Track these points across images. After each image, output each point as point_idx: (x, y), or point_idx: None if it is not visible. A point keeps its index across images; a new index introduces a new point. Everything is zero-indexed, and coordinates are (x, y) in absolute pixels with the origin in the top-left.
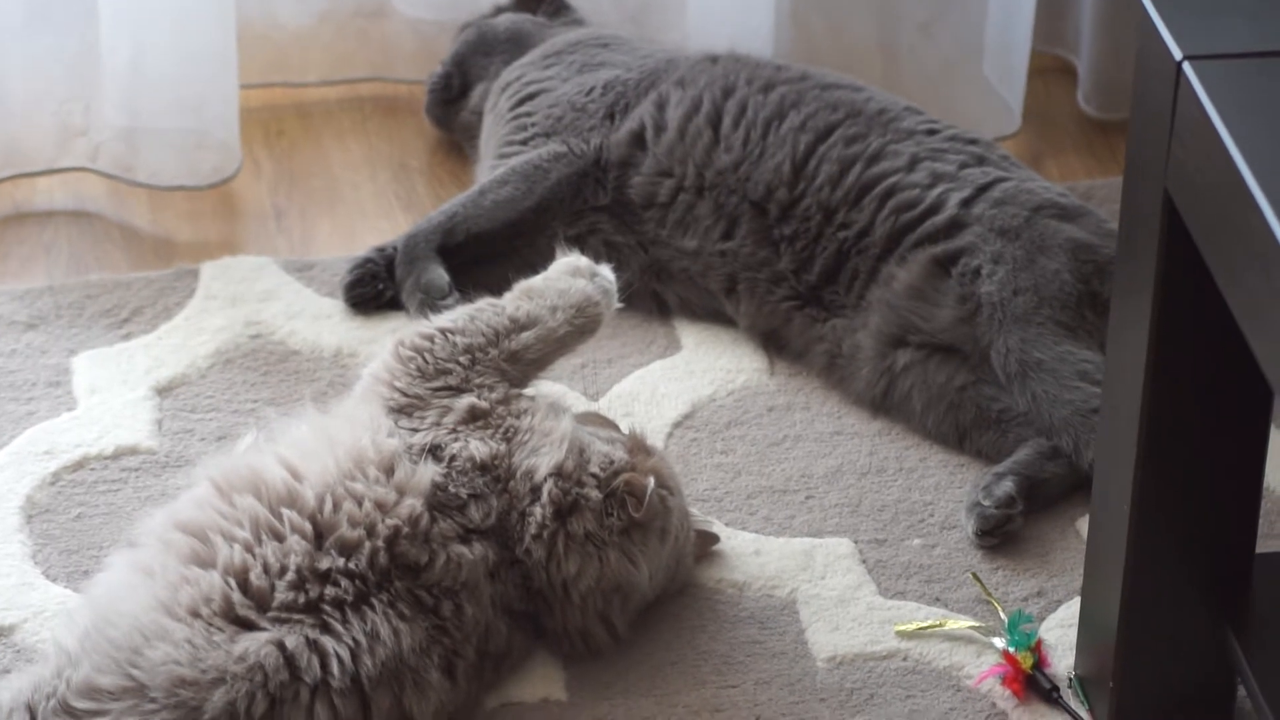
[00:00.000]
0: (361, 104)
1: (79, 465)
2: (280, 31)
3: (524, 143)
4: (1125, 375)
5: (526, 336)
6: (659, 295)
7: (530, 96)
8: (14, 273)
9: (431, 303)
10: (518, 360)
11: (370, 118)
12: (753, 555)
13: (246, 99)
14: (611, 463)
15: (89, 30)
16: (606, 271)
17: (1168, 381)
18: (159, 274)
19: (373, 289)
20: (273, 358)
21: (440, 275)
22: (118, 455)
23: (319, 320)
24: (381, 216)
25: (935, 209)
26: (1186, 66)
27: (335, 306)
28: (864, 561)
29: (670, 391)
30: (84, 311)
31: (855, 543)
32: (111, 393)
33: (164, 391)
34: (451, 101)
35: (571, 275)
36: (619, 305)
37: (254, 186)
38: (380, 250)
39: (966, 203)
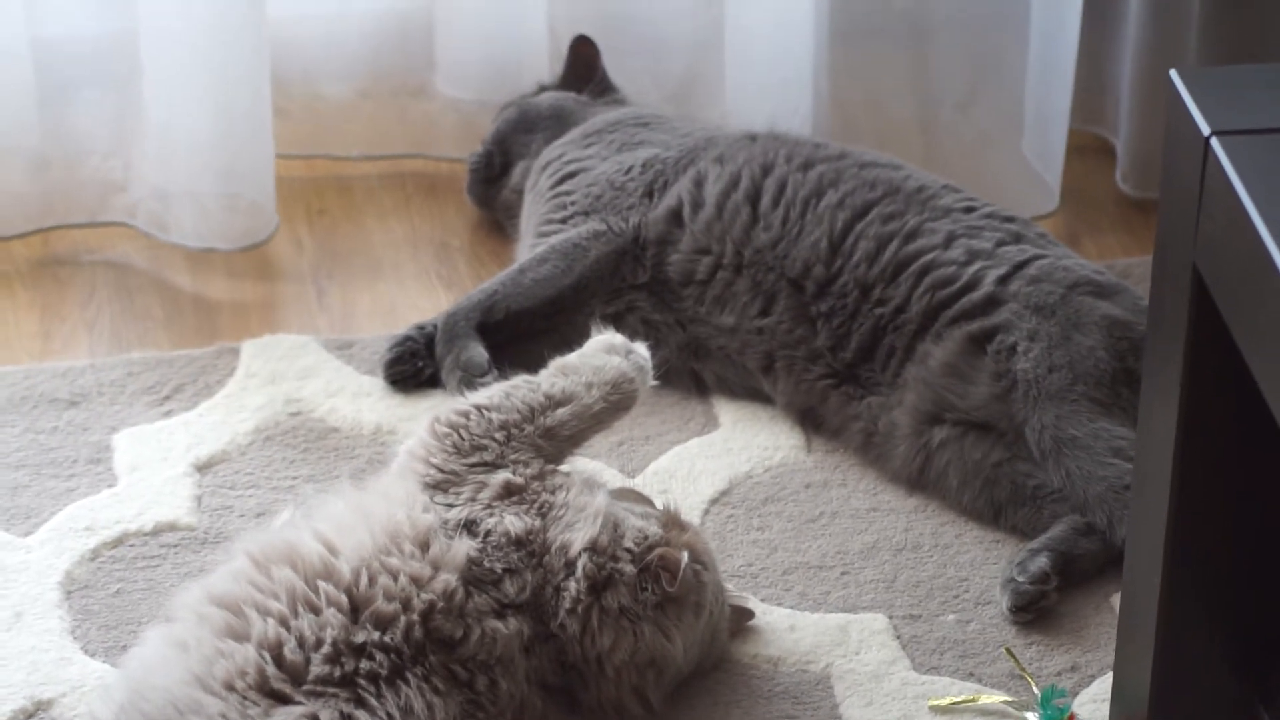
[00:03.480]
0: (404, 182)
1: (119, 541)
2: (321, 103)
3: (563, 221)
4: (1155, 449)
5: (562, 413)
6: (697, 373)
7: (570, 175)
8: (57, 351)
9: (470, 380)
10: (553, 437)
11: (412, 197)
12: (788, 631)
13: (288, 169)
14: (646, 538)
15: (132, 88)
16: (642, 349)
17: (1198, 455)
18: (200, 352)
19: (412, 367)
20: (312, 435)
21: (480, 353)
22: (157, 531)
23: (359, 398)
24: (423, 295)
25: (972, 286)
26: (1214, 141)
27: (375, 384)
28: (899, 637)
29: (707, 468)
30: (125, 389)
31: (890, 618)
32: (152, 469)
33: (204, 468)
34: (492, 180)
35: (607, 352)
36: (654, 382)
37: (296, 264)
38: (420, 328)
39: (1003, 280)
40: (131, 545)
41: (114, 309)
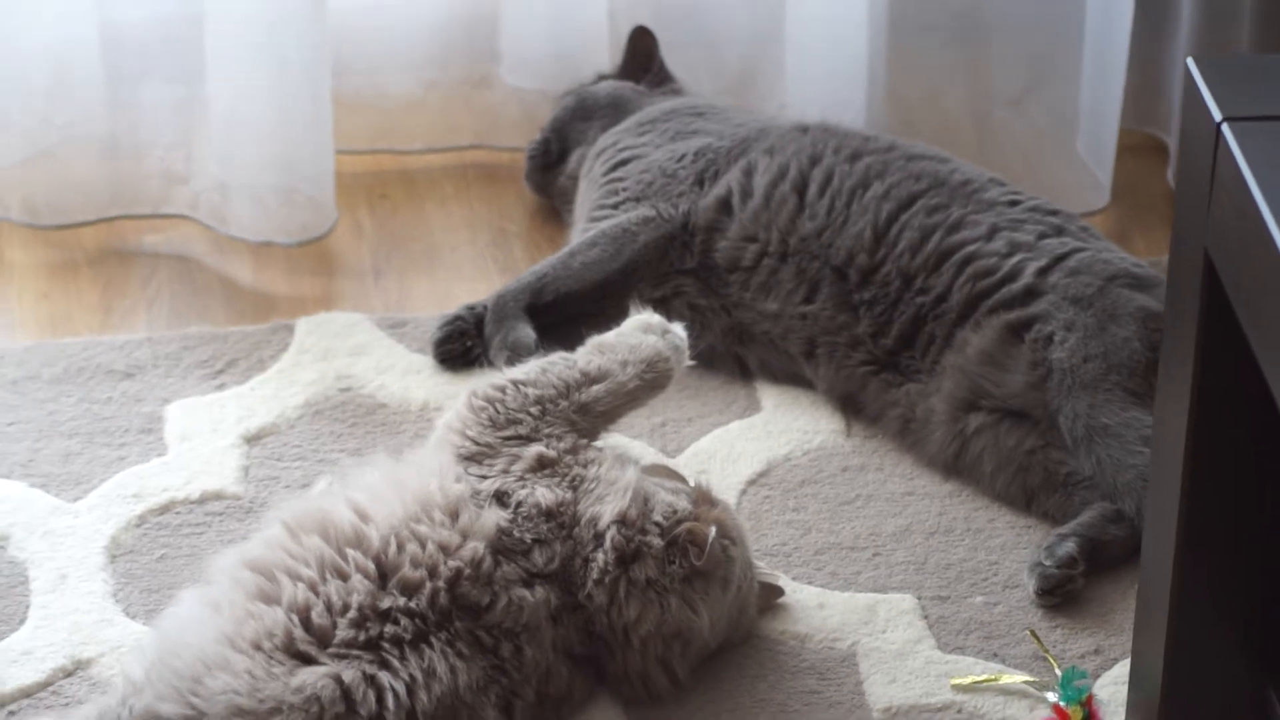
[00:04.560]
0: (465, 170)
1: (165, 509)
2: (386, 100)
3: (615, 207)
4: (1169, 436)
5: (597, 389)
6: (741, 358)
7: (623, 162)
8: (115, 325)
9: (517, 360)
10: (587, 412)
11: (473, 184)
12: (817, 609)
13: (352, 165)
14: (675, 512)
15: (195, 81)
16: (678, 329)
17: (1209, 442)
18: (255, 328)
19: (461, 345)
20: (361, 410)
21: (527, 334)
22: (204, 500)
23: (408, 375)
24: (478, 279)
25: (1012, 277)
26: (1225, 128)
27: (425, 362)
28: (926, 617)
29: (747, 450)
30: (180, 362)
31: (919, 599)
32: (202, 440)
33: (253, 440)
34: (550, 167)
35: (643, 331)
36: (690, 362)
37: (355, 246)
38: (470, 308)
39: (1043, 271)
40: (178, 512)
41: (174, 288)
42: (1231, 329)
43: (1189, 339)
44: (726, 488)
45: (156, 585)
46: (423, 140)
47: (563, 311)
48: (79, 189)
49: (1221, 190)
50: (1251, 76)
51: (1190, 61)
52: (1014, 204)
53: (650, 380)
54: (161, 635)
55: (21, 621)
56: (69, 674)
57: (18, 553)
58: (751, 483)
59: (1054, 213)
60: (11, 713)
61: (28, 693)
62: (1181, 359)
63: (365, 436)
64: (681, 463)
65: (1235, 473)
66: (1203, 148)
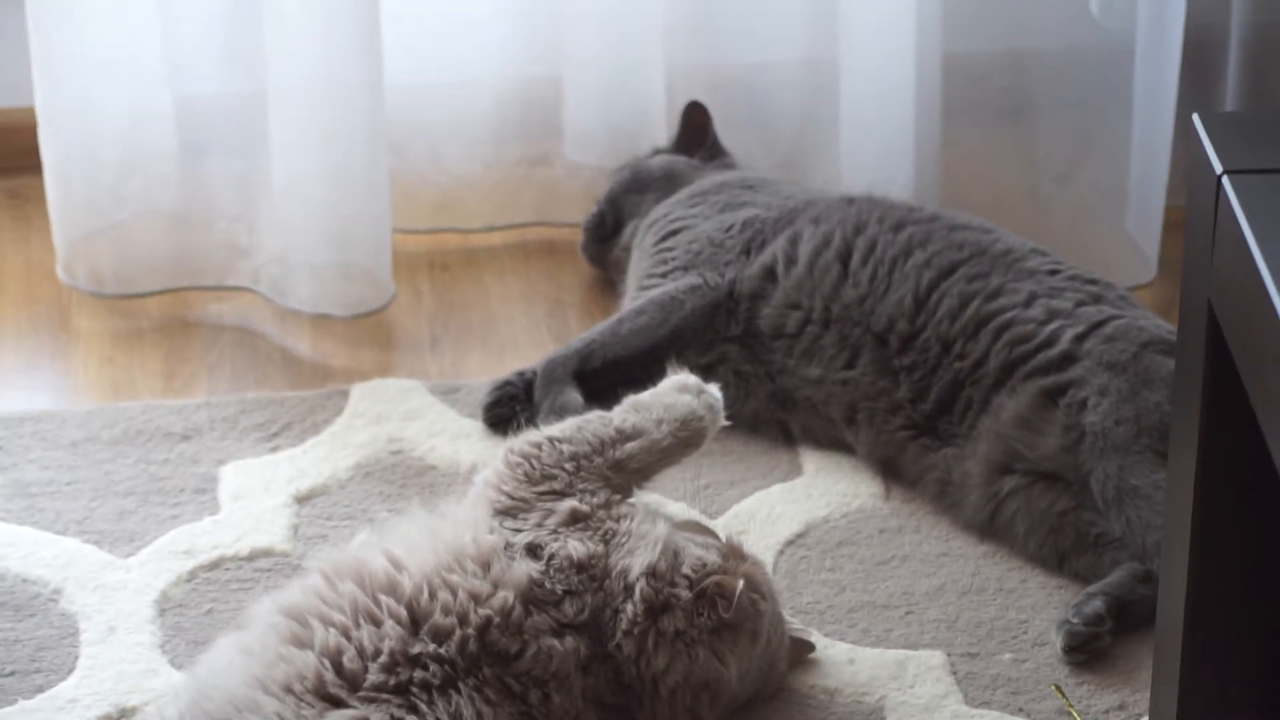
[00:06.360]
0: (524, 245)
1: (215, 564)
2: (446, 177)
3: (664, 275)
4: (1179, 489)
5: (631, 446)
6: (784, 423)
7: (674, 232)
8: (177, 390)
9: None
10: (622, 469)
11: (531, 257)
12: (847, 664)
13: (415, 243)
14: (704, 565)
15: (259, 155)
16: (714, 389)
17: (1218, 491)
18: (311, 393)
19: (510, 410)
20: (410, 472)
21: (575, 398)
22: (253, 556)
23: (458, 439)
24: (532, 347)
25: (1049, 343)
26: (1225, 180)
27: (475, 426)
28: (954, 673)
29: (786, 512)
30: (237, 425)
31: (948, 655)
32: (254, 499)
33: (304, 500)
34: (605, 239)
35: (679, 391)
36: (726, 423)
37: (414, 315)
38: (520, 374)
39: (1079, 338)
40: (227, 569)
41: (235, 355)
42: (1236, 383)
43: (1195, 392)
44: (765, 548)
45: (203, 638)
46: (483, 219)
47: (611, 377)
48: (146, 260)
49: (1223, 242)
50: (1254, 130)
51: (1195, 116)
52: (1054, 273)
53: (684, 439)
54: (195, 678)
55: (70, 671)
56: None
57: (69, 605)
58: (790, 543)
59: (1093, 281)
60: None
61: None
62: (1189, 412)
63: (414, 497)
64: (722, 524)
65: (1243, 522)
66: (1205, 200)
